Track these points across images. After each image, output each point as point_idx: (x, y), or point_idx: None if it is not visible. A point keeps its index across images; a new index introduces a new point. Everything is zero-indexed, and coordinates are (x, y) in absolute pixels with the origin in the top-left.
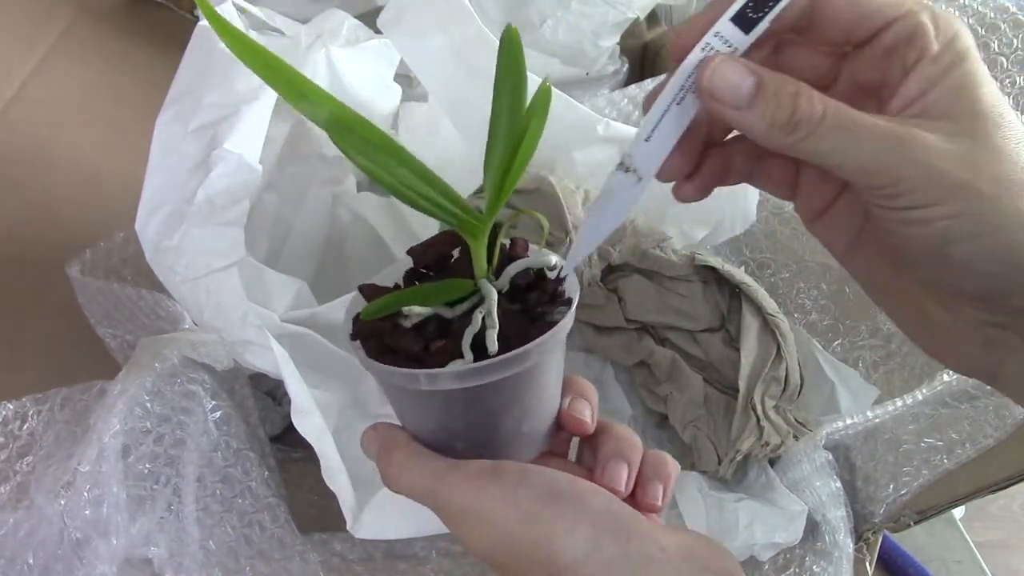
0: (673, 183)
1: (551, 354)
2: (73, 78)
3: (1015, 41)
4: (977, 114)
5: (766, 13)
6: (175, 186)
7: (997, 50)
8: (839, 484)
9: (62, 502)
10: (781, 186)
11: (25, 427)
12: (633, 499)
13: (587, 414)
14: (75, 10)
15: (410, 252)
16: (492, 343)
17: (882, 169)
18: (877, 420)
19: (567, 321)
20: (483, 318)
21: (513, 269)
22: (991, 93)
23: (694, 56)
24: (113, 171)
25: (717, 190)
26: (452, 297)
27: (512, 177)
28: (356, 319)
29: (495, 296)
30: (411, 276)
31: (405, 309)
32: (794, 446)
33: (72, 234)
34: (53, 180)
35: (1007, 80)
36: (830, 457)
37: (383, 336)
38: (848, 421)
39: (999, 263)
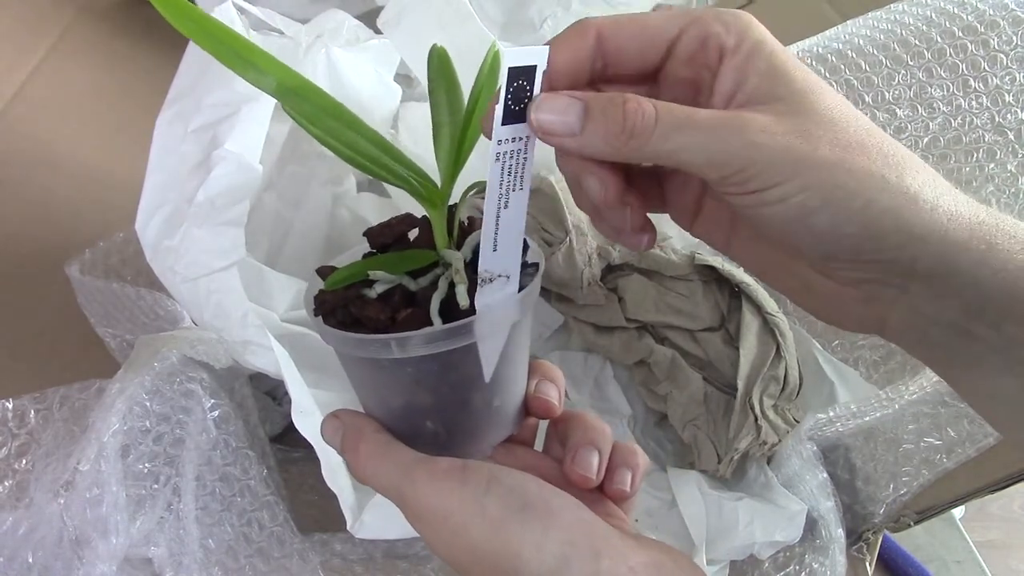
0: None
1: (521, 321)
2: (73, 78)
3: (1015, 38)
4: (798, 90)
5: (529, 97)
6: (175, 186)
7: (996, 47)
8: (826, 475)
9: (61, 501)
10: (653, 202)
11: (24, 426)
12: (601, 488)
13: (554, 396)
14: (75, 10)
15: (366, 233)
16: (463, 297)
17: (727, 158)
18: (868, 419)
19: (535, 284)
20: (450, 282)
21: (475, 238)
22: (801, 69)
23: (494, 169)
24: (113, 171)
25: None
26: (417, 265)
27: (469, 142)
28: (318, 295)
29: (460, 256)
30: (369, 257)
31: (372, 274)
32: (782, 442)
33: (72, 234)
34: (53, 180)
35: (1006, 77)
36: (815, 449)
37: (349, 307)
38: (831, 413)
39: (858, 224)
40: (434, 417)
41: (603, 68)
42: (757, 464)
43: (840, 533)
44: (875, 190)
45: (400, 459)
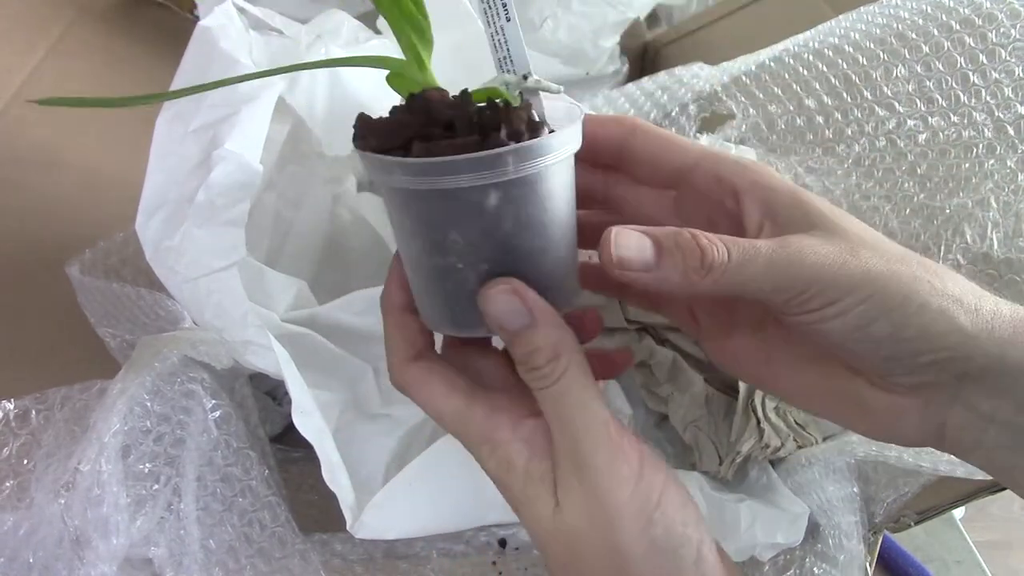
0: None
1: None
2: (73, 78)
3: (1013, 31)
4: (828, 219)
5: None
6: (175, 186)
7: (995, 41)
8: (856, 489)
9: (62, 501)
10: (684, 322)
11: (25, 426)
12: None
13: None
14: (75, 10)
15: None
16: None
17: (791, 283)
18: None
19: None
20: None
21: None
22: (822, 202)
23: None
24: (113, 171)
25: None
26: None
27: None
28: (478, 113)
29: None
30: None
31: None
32: (813, 451)
33: (72, 234)
34: (53, 180)
35: (1005, 71)
36: (851, 461)
37: (512, 122)
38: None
39: (916, 327)
40: (550, 255)
41: (629, 160)
42: (759, 466)
43: (860, 548)
44: (926, 294)
45: (596, 411)
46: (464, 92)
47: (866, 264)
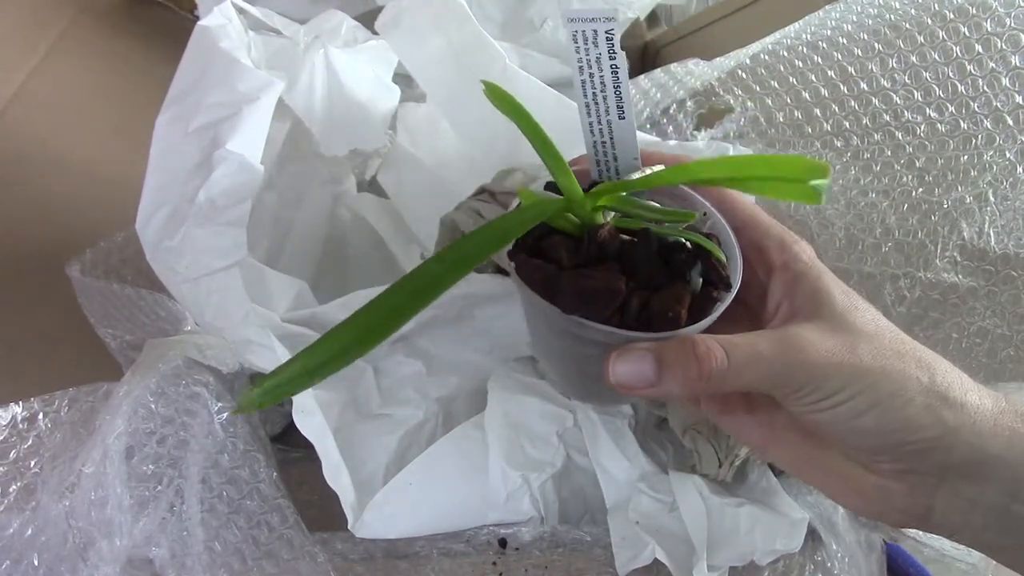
0: None
1: None
2: (73, 78)
3: (1008, 20)
4: (837, 310)
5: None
6: (175, 186)
7: (990, 30)
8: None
9: (67, 503)
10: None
11: (33, 429)
12: None
13: None
14: (75, 10)
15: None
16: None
17: (788, 379)
18: None
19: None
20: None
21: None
22: (841, 290)
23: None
24: (113, 171)
25: None
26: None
27: None
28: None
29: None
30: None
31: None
32: None
33: (72, 234)
34: (53, 180)
35: (1001, 60)
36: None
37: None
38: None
39: (900, 421)
40: None
41: None
42: (758, 468)
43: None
44: (913, 391)
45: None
46: (647, 231)
47: (860, 361)
